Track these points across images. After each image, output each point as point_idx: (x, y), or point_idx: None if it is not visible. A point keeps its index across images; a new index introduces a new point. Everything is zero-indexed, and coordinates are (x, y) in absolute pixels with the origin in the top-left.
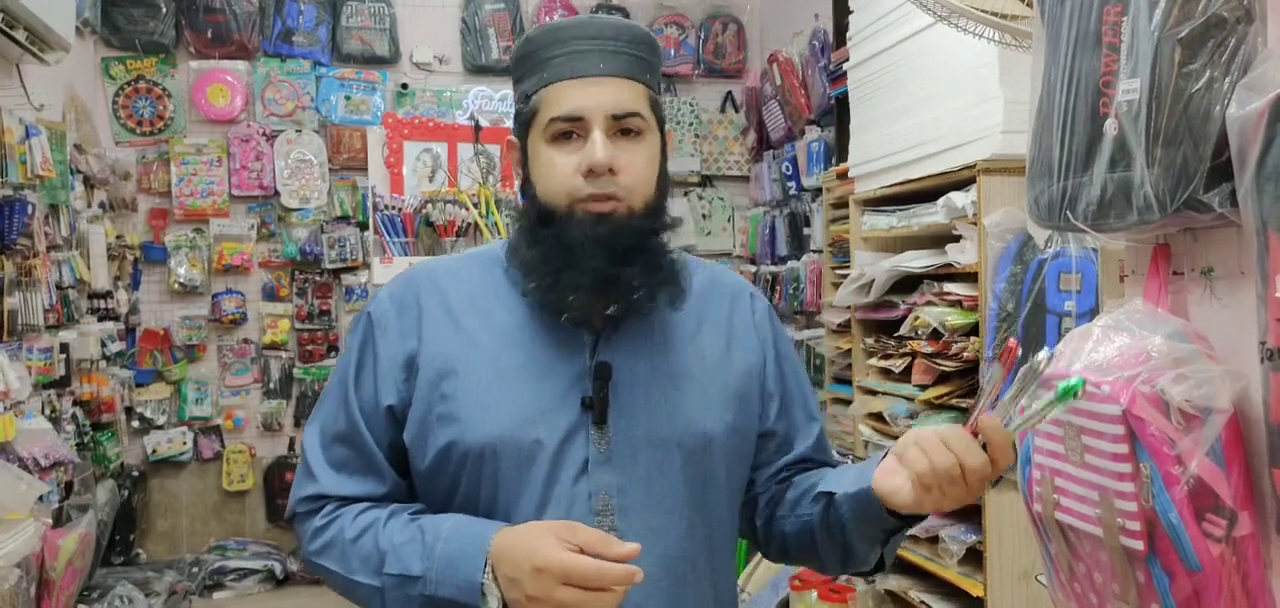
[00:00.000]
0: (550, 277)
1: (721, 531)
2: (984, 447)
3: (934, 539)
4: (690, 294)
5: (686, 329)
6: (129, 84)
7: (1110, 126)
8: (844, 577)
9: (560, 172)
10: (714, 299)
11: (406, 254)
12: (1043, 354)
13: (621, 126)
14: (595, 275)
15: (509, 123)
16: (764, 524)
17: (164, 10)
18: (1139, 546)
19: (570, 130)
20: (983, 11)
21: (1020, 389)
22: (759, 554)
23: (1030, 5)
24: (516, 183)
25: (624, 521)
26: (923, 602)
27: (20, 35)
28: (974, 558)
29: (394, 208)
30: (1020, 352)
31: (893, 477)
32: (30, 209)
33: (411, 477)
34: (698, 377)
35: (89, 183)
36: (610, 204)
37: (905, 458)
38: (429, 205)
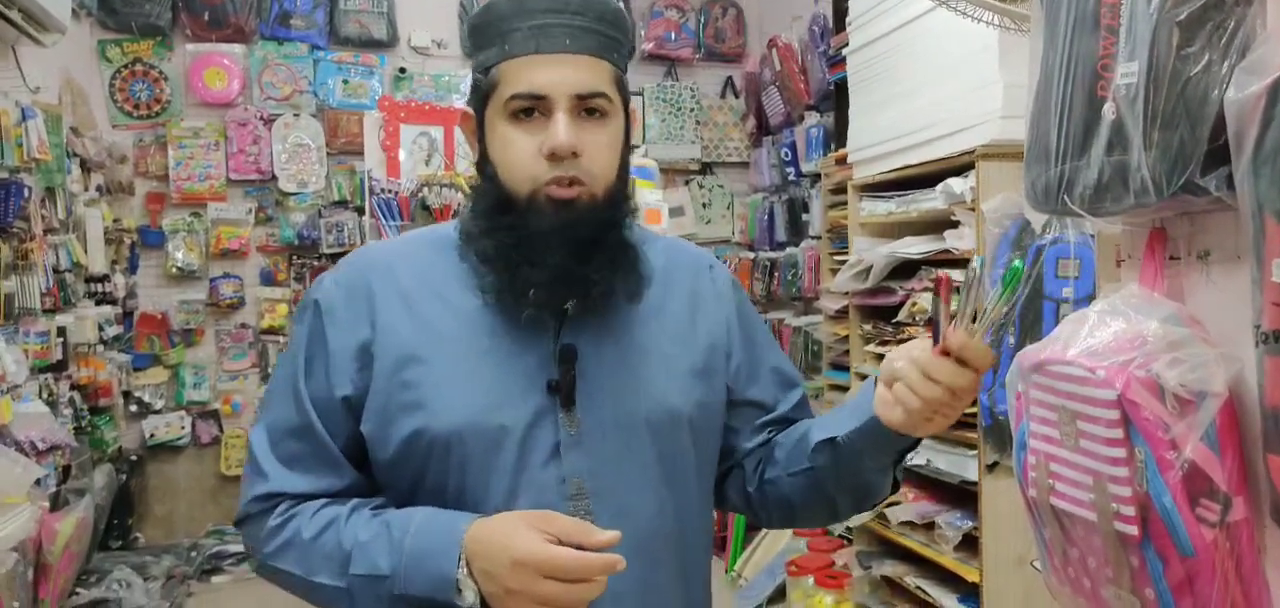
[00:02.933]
0: (507, 273)
1: (692, 508)
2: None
3: (930, 526)
4: (653, 274)
5: (650, 306)
6: (126, 67)
7: (1108, 110)
8: (840, 563)
9: (520, 153)
10: (676, 275)
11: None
12: (975, 261)
13: (586, 106)
14: (555, 271)
15: None
16: (757, 490)
17: None
18: (1133, 531)
19: (532, 108)
20: None
21: (967, 299)
22: (759, 535)
23: None
24: (472, 158)
25: (598, 503)
26: (919, 588)
27: (16, 17)
28: (970, 544)
29: (390, 191)
30: (954, 283)
31: (891, 409)
32: (26, 192)
33: (369, 470)
34: (664, 353)
35: (85, 166)
36: (573, 190)
37: (897, 395)
38: (425, 189)
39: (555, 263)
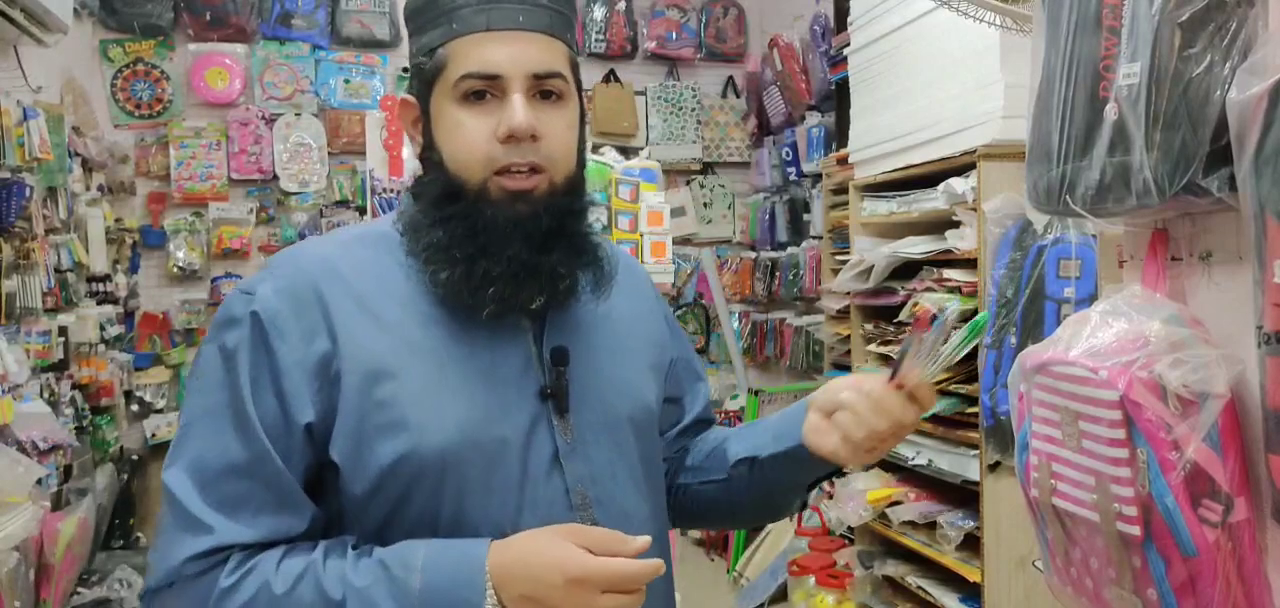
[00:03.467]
0: (462, 266)
1: (662, 505)
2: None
3: (932, 526)
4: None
5: (602, 306)
6: (127, 67)
7: (1110, 111)
8: (842, 562)
9: (473, 137)
10: (618, 271)
11: None
12: (949, 308)
13: (542, 87)
14: (513, 264)
15: None
16: (670, 495)
17: None
18: (1135, 531)
19: (484, 90)
20: None
21: (932, 343)
22: (761, 535)
23: None
24: (414, 148)
25: (601, 511)
26: (920, 588)
27: (17, 16)
28: (971, 544)
29: (393, 191)
30: (935, 315)
31: (825, 437)
32: (28, 192)
33: (326, 503)
34: (627, 350)
35: (87, 166)
36: (532, 179)
37: (839, 422)
38: None
39: (513, 255)
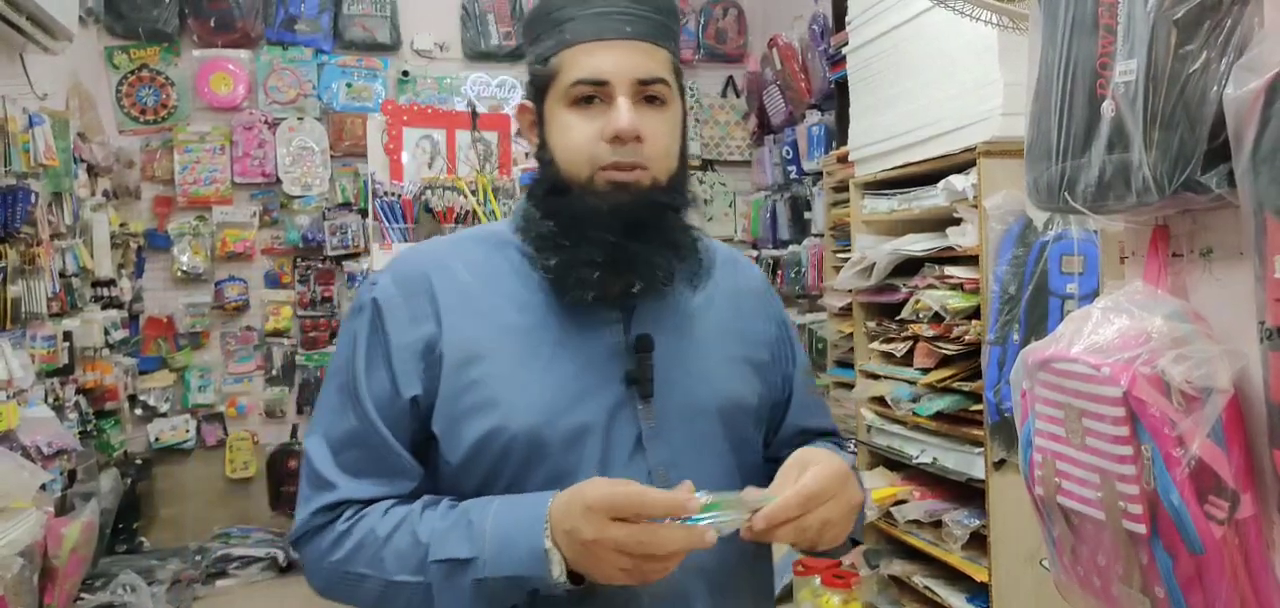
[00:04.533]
0: (566, 253)
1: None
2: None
3: (938, 524)
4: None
5: (699, 299)
6: (133, 72)
7: (1108, 108)
8: (847, 562)
9: (581, 137)
10: (719, 270)
11: (406, 240)
12: (701, 497)
13: (646, 93)
14: (611, 251)
15: (506, 110)
16: None
17: None
18: (1141, 528)
19: (593, 95)
20: None
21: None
22: None
23: None
24: (531, 149)
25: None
26: (927, 587)
27: (24, 24)
28: (978, 542)
29: (393, 194)
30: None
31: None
32: (33, 198)
33: (434, 471)
34: (722, 345)
35: (93, 171)
36: (634, 174)
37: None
38: (428, 192)
39: (611, 243)
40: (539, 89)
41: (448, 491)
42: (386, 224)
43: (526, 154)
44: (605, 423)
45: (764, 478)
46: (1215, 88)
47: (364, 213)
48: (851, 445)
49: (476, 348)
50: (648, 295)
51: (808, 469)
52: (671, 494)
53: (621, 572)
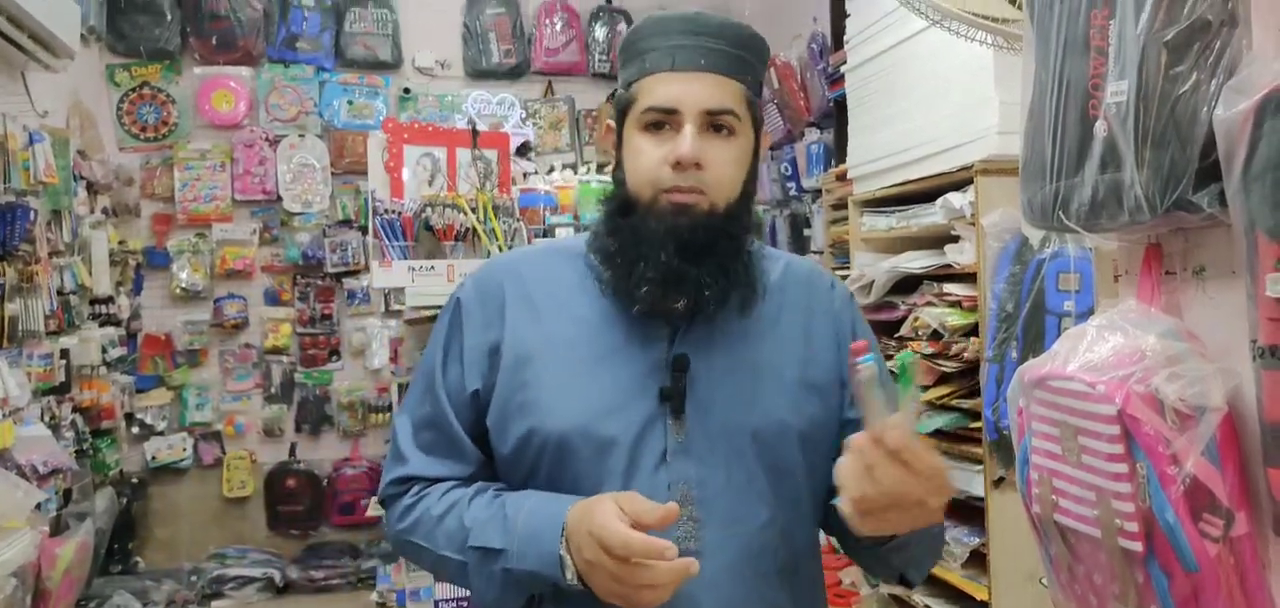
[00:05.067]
0: (624, 268)
1: (802, 525)
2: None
3: None
4: (768, 288)
5: (765, 321)
6: (134, 90)
7: (1100, 128)
8: (847, 581)
9: (648, 160)
10: (792, 289)
11: (405, 257)
12: (909, 353)
13: (714, 122)
14: (666, 270)
15: (507, 128)
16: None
17: (169, 17)
18: (1137, 546)
19: (663, 122)
20: (973, 15)
21: (872, 388)
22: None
23: (1020, 8)
24: (609, 166)
25: (704, 510)
26: (926, 605)
27: (25, 42)
28: (978, 560)
29: (394, 212)
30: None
31: (843, 504)
32: (32, 215)
33: (494, 459)
34: (776, 369)
35: (92, 189)
36: (692, 197)
37: (841, 483)
38: (428, 209)
39: (666, 261)
40: (620, 112)
41: (503, 478)
42: (387, 242)
43: (601, 167)
44: (635, 436)
45: (810, 507)
46: (1205, 108)
47: (364, 230)
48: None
49: (530, 352)
50: (694, 315)
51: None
52: (654, 541)
53: (616, 596)
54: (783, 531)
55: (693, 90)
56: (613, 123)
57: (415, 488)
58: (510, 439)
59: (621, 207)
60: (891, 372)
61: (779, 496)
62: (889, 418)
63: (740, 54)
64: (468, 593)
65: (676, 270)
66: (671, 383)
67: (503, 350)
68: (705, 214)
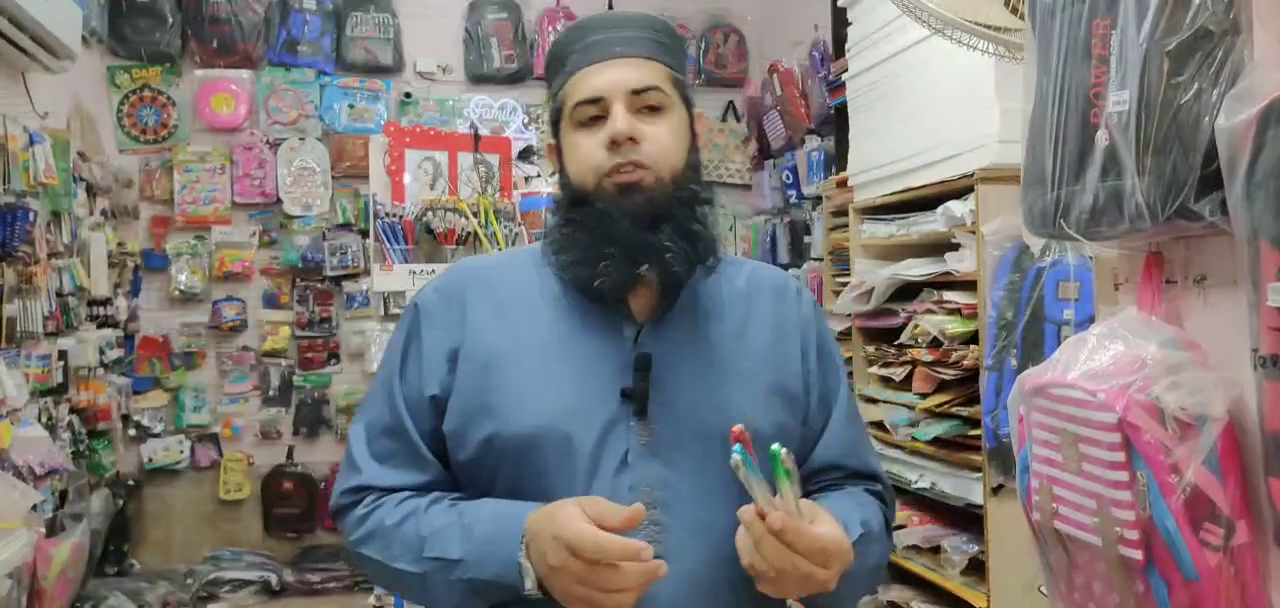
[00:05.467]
0: (580, 250)
1: None
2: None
3: (936, 550)
4: (735, 295)
5: (733, 325)
6: (134, 93)
7: (1101, 137)
8: None
9: (585, 151)
10: (759, 296)
11: (407, 261)
12: (778, 447)
13: (643, 102)
14: (624, 243)
15: (509, 132)
16: None
17: (170, 20)
18: (1137, 555)
19: (595, 114)
20: (975, 24)
21: (753, 479)
22: None
23: (1021, 18)
24: (556, 179)
25: (668, 514)
26: None
27: (27, 43)
28: (977, 568)
29: (395, 215)
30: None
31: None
32: (32, 216)
33: (452, 467)
34: (744, 372)
35: (92, 190)
36: (637, 173)
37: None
38: (429, 213)
39: (622, 235)
40: (555, 123)
41: (462, 486)
42: (387, 245)
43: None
44: (597, 437)
45: None
46: (1207, 117)
47: (363, 233)
48: (883, 502)
49: (493, 355)
50: (668, 303)
51: (816, 521)
52: (629, 542)
53: (581, 601)
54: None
55: (614, 75)
56: (552, 139)
57: (369, 498)
58: (471, 444)
59: (572, 202)
60: (771, 454)
61: (745, 500)
62: (773, 499)
63: (656, 37)
64: None
65: (635, 241)
66: (635, 383)
67: (463, 354)
68: (652, 186)
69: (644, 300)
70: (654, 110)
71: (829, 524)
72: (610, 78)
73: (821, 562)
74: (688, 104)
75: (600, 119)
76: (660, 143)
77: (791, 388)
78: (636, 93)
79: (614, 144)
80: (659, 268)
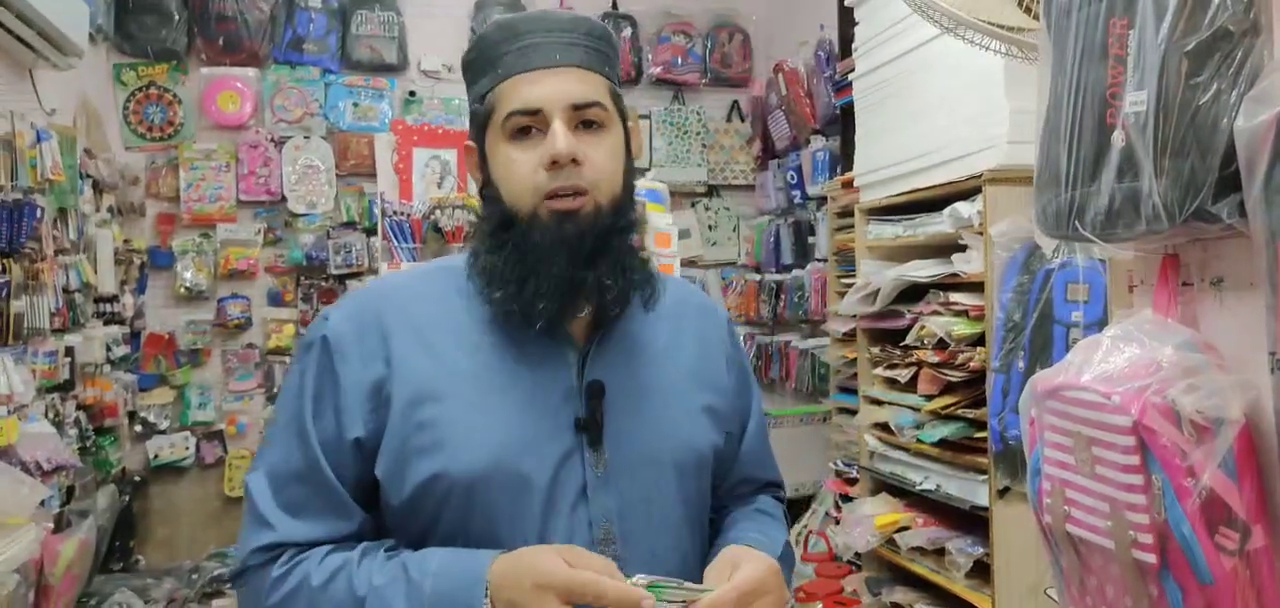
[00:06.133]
0: (514, 285)
1: (704, 554)
2: None
3: (940, 552)
4: (663, 312)
5: (666, 345)
6: (140, 90)
7: (1118, 137)
8: (849, 589)
9: (522, 169)
10: (686, 315)
11: (414, 259)
12: (640, 577)
13: (583, 117)
14: (560, 281)
15: None
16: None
17: (176, 18)
18: (1151, 559)
19: (529, 125)
20: (988, 23)
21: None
22: None
23: (1035, 17)
24: (477, 186)
25: (627, 548)
26: None
27: (35, 40)
28: (981, 571)
29: (402, 213)
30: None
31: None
32: (39, 213)
33: (378, 512)
34: (680, 392)
35: (98, 187)
36: (577, 200)
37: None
38: (437, 211)
39: (560, 271)
40: (479, 127)
41: (391, 533)
42: (395, 243)
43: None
44: (551, 471)
45: (707, 535)
46: (1226, 118)
47: (368, 232)
48: (784, 507)
49: (427, 388)
50: (605, 328)
51: (740, 567)
52: (628, 589)
53: None
54: (697, 562)
55: (555, 87)
56: (472, 144)
57: (285, 555)
58: (408, 486)
59: (502, 223)
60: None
61: (692, 525)
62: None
63: (597, 47)
64: None
65: (572, 279)
66: (588, 412)
67: (392, 389)
68: (592, 216)
69: (580, 323)
70: (593, 126)
71: (749, 562)
72: (550, 89)
73: (764, 593)
74: (624, 117)
75: (534, 132)
76: (600, 166)
77: (719, 406)
78: (577, 107)
79: (554, 165)
80: (597, 306)
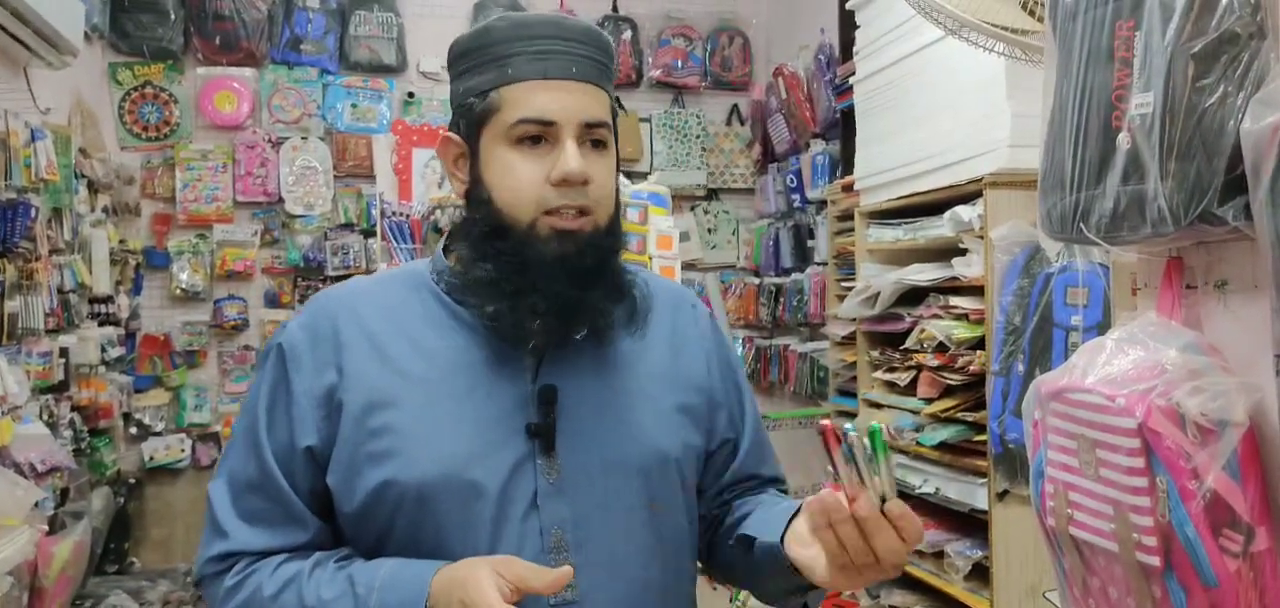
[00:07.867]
0: (509, 299)
1: (682, 555)
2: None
3: (939, 555)
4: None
5: (633, 344)
6: (136, 89)
7: (1123, 140)
8: (847, 593)
9: (526, 179)
10: (657, 311)
11: (412, 259)
12: (849, 428)
13: (591, 135)
14: (558, 300)
15: None
16: (707, 546)
17: (173, 17)
18: (1155, 561)
19: (539, 135)
20: (991, 25)
21: (863, 461)
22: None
23: (1038, 19)
24: (455, 186)
25: (580, 555)
26: None
27: (29, 38)
28: (980, 574)
29: (402, 214)
30: (840, 435)
31: (807, 548)
32: (33, 212)
33: (334, 521)
34: (650, 394)
35: (93, 187)
36: (579, 220)
37: (821, 538)
38: (438, 211)
39: (559, 291)
40: (472, 123)
41: (347, 542)
42: (395, 244)
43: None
44: (503, 480)
45: (688, 540)
46: (1232, 121)
47: (366, 233)
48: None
49: (379, 396)
50: (559, 341)
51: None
52: (551, 573)
53: None
54: (663, 567)
55: (571, 101)
56: (455, 138)
57: (240, 565)
58: (359, 494)
59: (493, 231)
60: (871, 432)
61: (659, 530)
62: (873, 481)
63: (603, 61)
64: None
65: (571, 299)
66: (540, 418)
67: (344, 397)
68: (591, 236)
69: (562, 330)
70: (599, 145)
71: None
72: (567, 103)
73: (894, 565)
74: (616, 136)
75: (543, 142)
76: (605, 185)
77: (695, 405)
78: (589, 126)
79: (565, 182)
80: (591, 329)
